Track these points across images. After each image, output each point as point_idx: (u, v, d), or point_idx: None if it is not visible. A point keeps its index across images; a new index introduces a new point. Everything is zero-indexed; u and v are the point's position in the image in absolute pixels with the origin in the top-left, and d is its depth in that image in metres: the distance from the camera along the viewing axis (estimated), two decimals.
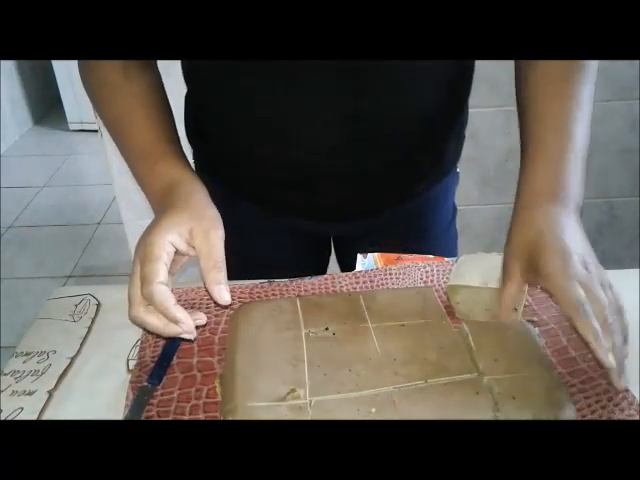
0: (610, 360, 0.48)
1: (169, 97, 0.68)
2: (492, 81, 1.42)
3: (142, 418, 0.51)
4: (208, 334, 0.60)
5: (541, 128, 0.60)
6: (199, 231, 0.52)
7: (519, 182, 0.60)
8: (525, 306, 0.60)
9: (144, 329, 0.51)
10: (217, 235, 0.52)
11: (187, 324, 0.49)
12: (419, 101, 0.65)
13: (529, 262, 0.54)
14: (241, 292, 0.66)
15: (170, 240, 0.51)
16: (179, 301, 0.64)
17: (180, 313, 0.49)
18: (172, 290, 0.51)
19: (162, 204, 0.56)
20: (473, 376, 0.51)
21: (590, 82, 0.61)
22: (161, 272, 0.49)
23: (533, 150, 0.60)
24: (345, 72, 0.59)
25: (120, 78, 0.62)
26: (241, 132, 0.68)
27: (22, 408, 0.53)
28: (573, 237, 0.54)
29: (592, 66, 0.62)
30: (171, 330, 0.50)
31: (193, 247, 0.52)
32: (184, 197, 0.55)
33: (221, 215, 0.82)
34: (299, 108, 0.62)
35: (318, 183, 0.70)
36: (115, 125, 0.64)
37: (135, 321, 0.50)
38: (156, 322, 0.50)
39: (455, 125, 0.75)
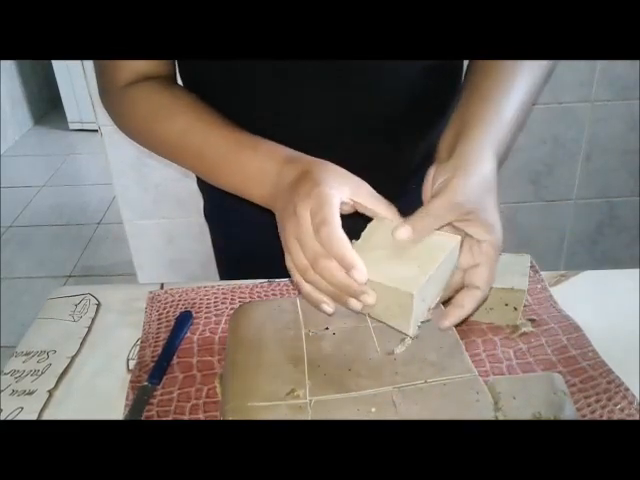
0: None
1: None
2: None
3: (142, 418, 0.51)
4: (208, 334, 0.60)
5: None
6: (353, 189, 0.54)
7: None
8: (525, 306, 0.60)
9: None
10: (367, 188, 0.55)
11: (361, 271, 0.48)
12: (405, 89, 0.65)
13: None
14: (241, 292, 0.66)
15: (336, 194, 0.52)
16: (179, 301, 0.65)
17: (357, 259, 0.49)
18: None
19: (291, 173, 0.55)
20: (473, 376, 0.51)
21: (538, 76, 0.60)
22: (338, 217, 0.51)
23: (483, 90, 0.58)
24: (329, 63, 0.60)
25: (166, 96, 0.62)
26: None
27: (22, 408, 0.53)
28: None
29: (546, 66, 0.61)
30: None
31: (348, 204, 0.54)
32: (317, 162, 0.56)
33: (219, 216, 0.81)
34: (284, 102, 0.63)
35: None
36: (182, 137, 0.62)
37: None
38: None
39: (445, 115, 0.74)
